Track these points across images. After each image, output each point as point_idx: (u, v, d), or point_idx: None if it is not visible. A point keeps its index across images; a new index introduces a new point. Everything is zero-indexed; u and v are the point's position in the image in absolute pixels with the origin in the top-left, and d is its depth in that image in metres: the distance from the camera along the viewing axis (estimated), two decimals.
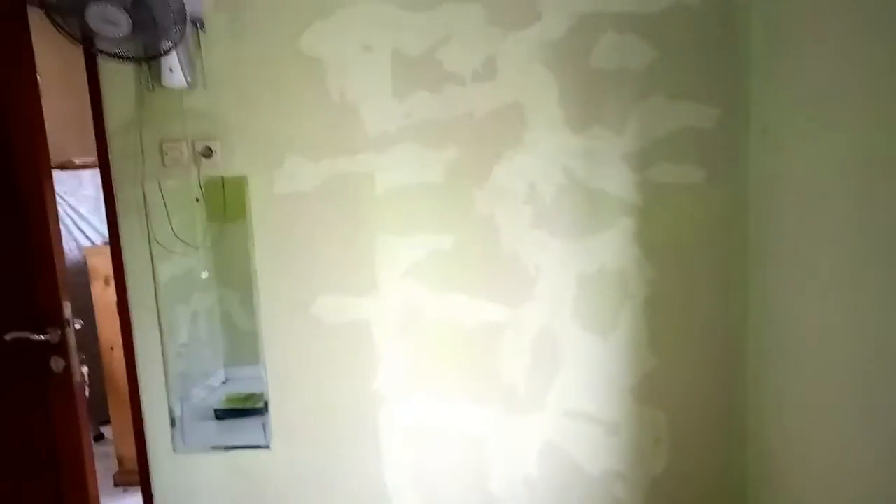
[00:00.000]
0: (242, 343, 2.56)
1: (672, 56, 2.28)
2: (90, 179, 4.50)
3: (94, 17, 1.86)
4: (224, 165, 2.37)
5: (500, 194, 2.39)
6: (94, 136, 2.37)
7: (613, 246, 2.39)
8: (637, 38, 2.28)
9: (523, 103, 2.33)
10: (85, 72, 2.33)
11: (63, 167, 4.60)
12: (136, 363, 2.50)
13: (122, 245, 2.44)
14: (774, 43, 2.13)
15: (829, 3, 1.82)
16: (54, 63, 3.76)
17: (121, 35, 1.91)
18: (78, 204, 4.50)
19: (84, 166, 4.64)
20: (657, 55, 2.29)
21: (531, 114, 2.34)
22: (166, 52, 2.05)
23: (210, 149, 2.35)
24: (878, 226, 1.63)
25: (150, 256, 2.42)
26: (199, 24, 2.26)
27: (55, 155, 2.45)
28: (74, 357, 2.01)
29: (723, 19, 2.25)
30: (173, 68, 2.19)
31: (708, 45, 2.27)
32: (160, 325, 2.47)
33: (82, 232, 4.51)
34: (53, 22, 1.97)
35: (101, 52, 2.03)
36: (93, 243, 4.45)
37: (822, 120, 1.88)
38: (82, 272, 3.82)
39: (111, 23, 1.87)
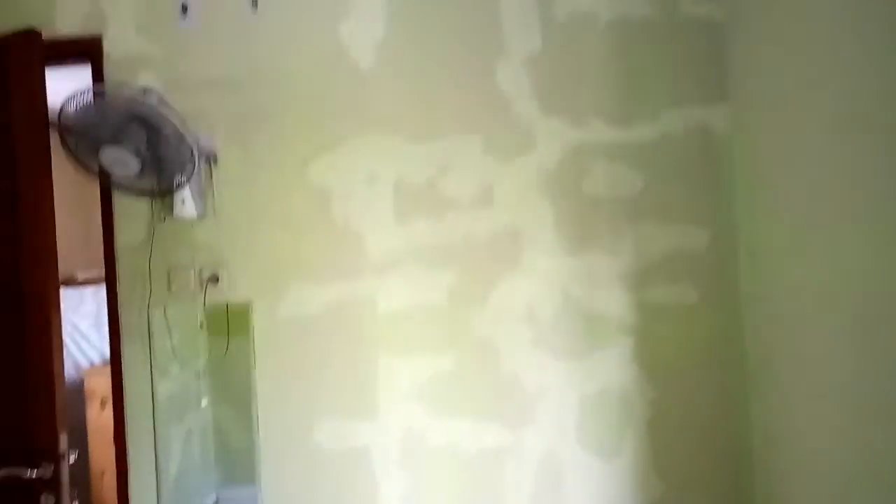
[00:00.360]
0: (236, 462, 2.49)
1: (660, 182, 2.40)
2: (92, 296, 4.53)
3: (108, 158, 1.97)
4: (229, 292, 2.42)
5: (499, 316, 2.42)
6: (99, 252, 2.43)
7: (613, 366, 2.39)
8: (626, 167, 2.40)
9: (521, 228, 2.42)
10: (97, 188, 2.41)
11: (66, 283, 4.65)
12: (129, 490, 2.42)
13: (123, 368, 2.44)
14: (756, 173, 2.24)
15: (803, 142, 1.93)
16: (65, 175, 3.89)
17: (131, 175, 2.01)
18: (79, 321, 4.51)
19: (87, 282, 4.69)
20: (646, 182, 2.40)
21: (528, 238, 2.42)
22: (179, 188, 2.15)
23: (216, 276, 2.40)
24: (872, 348, 1.65)
25: (150, 380, 2.41)
26: (212, 158, 2.38)
27: (59, 270, 2.48)
28: (66, 494, 1.94)
29: (706, 149, 2.38)
30: (185, 201, 2.28)
31: (693, 173, 2.39)
32: (156, 449, 2.41)
33: (81, 350, 4.49)
34: (72, 157, 2.08)
35: (117, 186, 2.13)
36: (91, 362, 4.42)
37: (805, 244, 1.94)
38: (79, 393, 3.77)
39: (123, 164, 1.98)
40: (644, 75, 2.39)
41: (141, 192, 2.13)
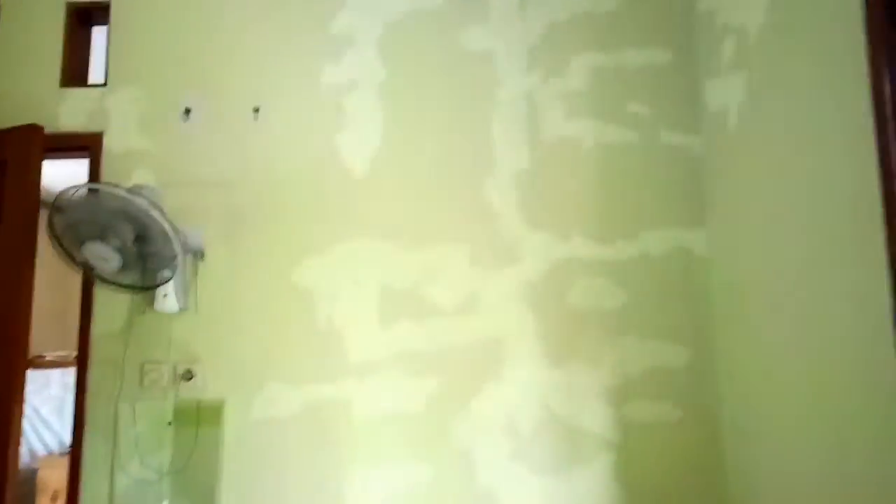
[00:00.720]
0: None
1: (642, 299, 2.43)
2: (58, 379, 4.39)
3: (91, 253, 1.99)
4: (203, 388, 2.36)
5: (478, 426, 2.37)
6: (73, 332, 2.39)
7: (593, 484, 2.33)
8: (609, 282, 2.44)
9: (503, 338, 2.41)
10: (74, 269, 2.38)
11: (33, 361, 4.52)
12: None
13: (82, 462, 2.33)
14: (733, 295, 2.28)
15: (778, 268, 1.99)
16: (45, 252, 3.85)
17: (112, 270, 2.02)
18: (41, 404, 4.34)
19: (56, 364, 4.56)
20: (628, 298, 2.43)
21: (511, 348, 2.41)
22: (162, 283, 2.14)
23: (191, 372, 2.35)
24: (853, 474, 1.62)
25: (110, 477, 2.30)
26: (199, 254, 2.39)
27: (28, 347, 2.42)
28: None
29: (686, 269, 2.44)
30: (168, 294, 2.28)
31: (674, 291, 2.43)
32: None
33: (39, 436, 4.29)
34: (58, 247, 2.08)
35: (100, 279, 2.13)
36: (48, 450, 4.21)
37: (783, 368, 1.95)
38: (30, 485, 3.57)
39: (104, 260, 1.99)
40: (625, 197, 2.48)
41: (122, 288, 2.12)
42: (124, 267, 2.03)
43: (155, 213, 1.97)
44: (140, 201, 1.97)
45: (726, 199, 2.32)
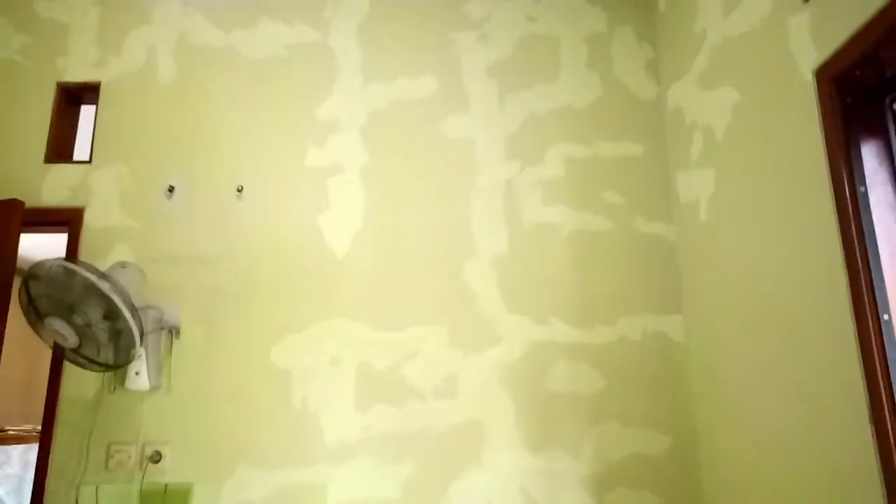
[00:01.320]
0: None
1: (620, 384, 2.43)
2: (19, 457, 4.20)
3: (50, 327, 1.98)
4: (171, 471, 2.28)
5: None
6: (37, 405, 2.32)
7: None
8: (587, 366, 2.45)
9: (482, 421, 2.39)
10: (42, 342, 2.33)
11: None
12: None
13: None
14: (712, 382, 2.30)
15: (755, 357, 2.02)
16: (15, 317, 3.76)
17: (69, 346, 2.00)
18: None
19: (17, 439, 4.38)
20: (607, 383, 2.43)
21: (489, 432, 2.38)
22: (122, 365, 2.11)
23: (159, 454, 2.28)
24: None
25: None
26: (174, 331, 2.37)
27: None
28: None
29: (664, 355, 2.46)
30: (140, 372, 2.24)
31: (653, 377, 2.44)
32: None
33: None
34: (28, 319, 2.06)
35: (67, 358, 2.09)
36: None
37: (765, 457, 1.94)
38: None
39: (62, 336, 1.99)
40: (603, 282, 2.53)
41: (87, 366, 2.09)
42: (93, 343, 2.01)
43: (115, 298, 1.97)
44: (103, 284, 1.96)
45: (701, 286, 2.38)
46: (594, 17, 2.81)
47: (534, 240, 2.55)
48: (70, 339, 2.02)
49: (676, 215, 2.56)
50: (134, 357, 2.11)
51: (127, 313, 1.98)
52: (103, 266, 2.36)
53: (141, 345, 2.09)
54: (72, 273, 1.99)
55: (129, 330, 2.02)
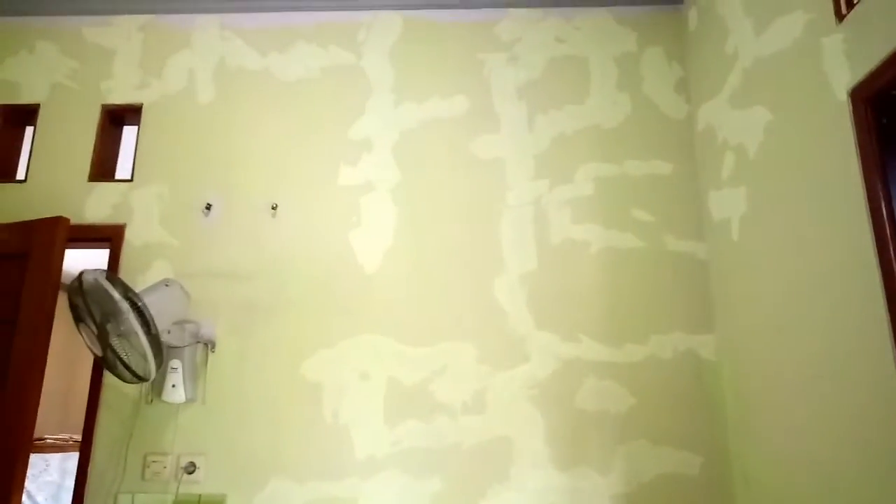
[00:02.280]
0: None
1: (651, 403, 2.41)
2: (57, 464, 4.31)
3: (85, 332, 2.04)
4: (205, 482, 2.33)
5: None
6: (75, 415, 2.40)
7: None
8: (617, 385, 2.43)
9: (511, 438, 2.39)
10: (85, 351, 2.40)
11: (34, 446, 4.44)
12: None
13: None
14: (744, 401, 2.27)
15: (786, 376, 1.99)
16: (57, 329, 3.85)
17: (97, 353, 2.06)
18: (37, 491, 4.24)
19: (55, 448, 4.49)
20: (637, 401, 2.41)
21: (518, 449, 2.38)
22: (148, 378, 2.15)
23: (194, 465, 2.33)
24: None
25: None
26: (210, 345, 2.42)
27: None
28: None
29: (695, 374, 2.44)
30: (176, 385, 2.29)
31: (684, 396, 2.41)
32: None
33: None
34: (80, 332, 2.14)
35: (108, 369, 2.16)
36: None
37: (801, 475, 1.91)
38: None
39: (91, 343, 2.04)
40: (633, 300, 2.52)
41: (124, 378, 2.14)
42: (114, 354, 2.06)
43: (131, 318, 2.01)
44: (122, 305, 2.01)
45: (733, 304, 2.36)
46: (624, 38, 2.82)
47: (563, 257, 2.56)
48: (94, 347, 2.09)
49: (708, 234, 2.55)
50: (150, 374, 2.14)
51: (141, 333, 2.02)
52: (144, 282, 2.44)
53: (162, 362, 2.13)
54: (102, 287, 2.06)
55: (142, 349, 2.06)
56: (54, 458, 4.40)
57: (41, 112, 2.76)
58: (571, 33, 2.83)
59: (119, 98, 2.77)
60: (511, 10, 2.85)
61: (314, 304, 2.52)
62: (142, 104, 2.76)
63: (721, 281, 2.45)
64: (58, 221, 2.40)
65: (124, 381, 2.16)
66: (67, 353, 4.06)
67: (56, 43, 2.86)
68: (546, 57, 2.80)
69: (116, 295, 2.02)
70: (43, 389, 2.25)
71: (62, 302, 2.21)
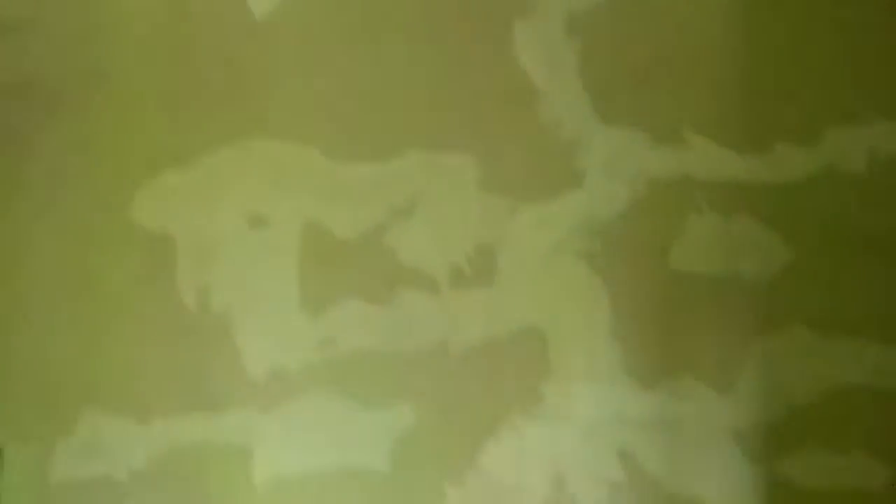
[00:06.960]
0: None
1: (823, 257, 1.60)
2: None
3: None
4: None
5: (494, 498, 1.55)
6: None
7: None
8: (757, 223, 1.59)
9: (544, 330, 1.61)
10: None
11: None
12: None
13: None
14: None
15: None
16: None
17: None
18: None
19: None
20: (792, 256, 1.59)
21: (558, 350, 1.61)
22: None
23: None
24: None
25: None
26: None
27: None
28: None
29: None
30: None
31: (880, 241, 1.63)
32: None
33: None
34: None
35: None
36: None
37: None
38: None
39: None
40: (794, 62, 1.67)
41: None
42: None
43: None
44: None
45: None
46: None
47: None
48: None
49: None
50: None
51: None
52: None
53: None
54: None
55: None
56: None
57: None
58: None
59: None
60: None
61: (154, 81, 1.58)
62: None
63: None
64: None
65: None
66: None
67: None
68: None
69: None
70: None
71: None
